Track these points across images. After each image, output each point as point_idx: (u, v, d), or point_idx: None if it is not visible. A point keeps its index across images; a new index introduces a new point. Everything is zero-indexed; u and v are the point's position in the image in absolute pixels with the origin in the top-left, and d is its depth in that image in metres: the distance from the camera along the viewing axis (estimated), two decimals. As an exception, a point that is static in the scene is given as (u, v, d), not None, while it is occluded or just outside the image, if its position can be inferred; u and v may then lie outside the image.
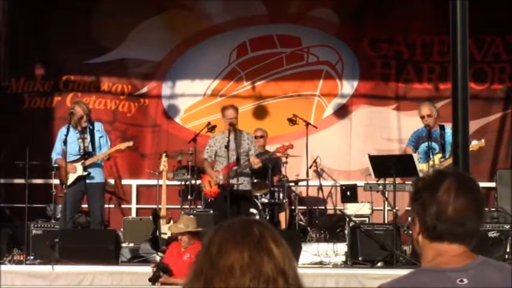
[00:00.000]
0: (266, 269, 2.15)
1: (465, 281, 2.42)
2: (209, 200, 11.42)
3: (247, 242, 2.18)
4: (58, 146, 11.01)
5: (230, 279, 2.14)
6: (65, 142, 10.59)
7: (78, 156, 10.83)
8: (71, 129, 10.76)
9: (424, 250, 2.54)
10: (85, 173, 10.75)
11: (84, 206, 11.25)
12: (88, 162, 10.81)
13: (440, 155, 10.59)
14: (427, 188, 2.54)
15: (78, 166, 10.78)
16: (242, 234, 2.20)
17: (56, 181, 11.83)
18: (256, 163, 10.80)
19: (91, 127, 10.98)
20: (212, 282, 2.16)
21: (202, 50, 14.27)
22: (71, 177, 10.76)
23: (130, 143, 11.27)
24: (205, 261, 2.19)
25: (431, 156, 10.55)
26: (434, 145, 10.67)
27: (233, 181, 10.70)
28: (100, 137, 11.00)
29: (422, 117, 10.76)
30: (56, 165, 11.19)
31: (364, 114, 14.17)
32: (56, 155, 11.06)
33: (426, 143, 10.72)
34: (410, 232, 2.52)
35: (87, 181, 10.76)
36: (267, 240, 2.19)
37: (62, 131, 10.91)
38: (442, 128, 10.71)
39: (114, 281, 9.71)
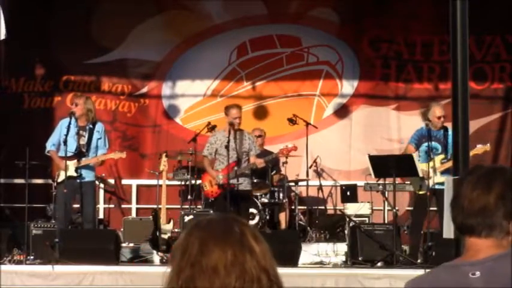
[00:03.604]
0: (249, 267, 2.10)
1: (477, 274, 2.38)
2: (210, 200, 11.42)
3: (229, 241, 2.12)
4: (55, 137, 10.69)
5: (215, 279, 2.08)
6: (65, 141, 10.37)
7: (71, 154, 10.44)
8: (72, 122, 10.48)
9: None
10: (76, 174, 10.45)
11: (77, 206, 11.07)
12: (80, 164, 10.49)
13: (442, 156, 10.56)
14: (455, 183, 2.55)
15: (71, 165, 10.45)
16: (223, 233, 2.14)
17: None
18: (259, 163, 10.84)
19: (91, 126, 10.68)
20: (194, 282, 2.09)
21: (202, 50, 14.27)
22: (62, 175, 10.54)
23: (123, 155, 10.98)
24: (185, 260, 2.12)
25: (432, 156, 10.51)
26: (438, 145, 10.61)
27: (233, 181, 10.71)
28: (98, 139, 10.68)
29: (438, 118, 10.58)
30: (48, 154, 10.79)
31: (364, 114, 14.17)
32: (51, 145, 10.71)
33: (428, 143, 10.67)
34: None
35: (78, 180, 10.48)
36: (247, 237, 2.14)
37: (63, 122, 10.63)
38: (446, 129, 10.65)
39: (114, 281, 9.70)
